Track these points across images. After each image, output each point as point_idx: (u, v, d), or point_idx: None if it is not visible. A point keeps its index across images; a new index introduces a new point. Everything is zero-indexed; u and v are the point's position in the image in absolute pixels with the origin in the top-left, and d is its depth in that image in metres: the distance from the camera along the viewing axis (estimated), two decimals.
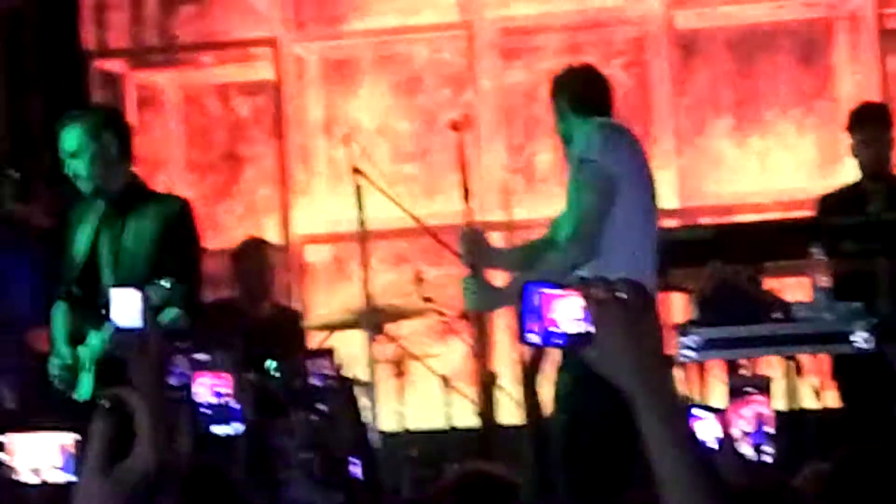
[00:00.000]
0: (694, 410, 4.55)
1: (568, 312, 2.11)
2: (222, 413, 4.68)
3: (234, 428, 4.74)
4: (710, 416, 4.37)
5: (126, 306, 3.50)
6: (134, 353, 2.84)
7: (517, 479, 3.19)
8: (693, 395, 5.95)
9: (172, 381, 4.76)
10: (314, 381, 5.98)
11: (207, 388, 4.93)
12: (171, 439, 2.57)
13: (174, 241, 5.31)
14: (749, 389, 4.69)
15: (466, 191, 5.46)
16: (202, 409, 4.70)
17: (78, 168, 5.33)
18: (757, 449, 4.60)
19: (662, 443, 2.02)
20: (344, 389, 6.19)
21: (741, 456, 4.56)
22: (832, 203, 6.52)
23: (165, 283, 4.88)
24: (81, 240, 5.41)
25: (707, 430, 4.97)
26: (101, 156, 5.34)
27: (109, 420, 2.00)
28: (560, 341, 2.12)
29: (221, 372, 5.01)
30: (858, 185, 6.53)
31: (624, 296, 2.06)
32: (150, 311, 3.48)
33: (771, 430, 4.60)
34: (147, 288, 4.58)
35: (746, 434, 4.65)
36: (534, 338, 2.11)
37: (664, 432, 2.02)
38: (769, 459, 4.63)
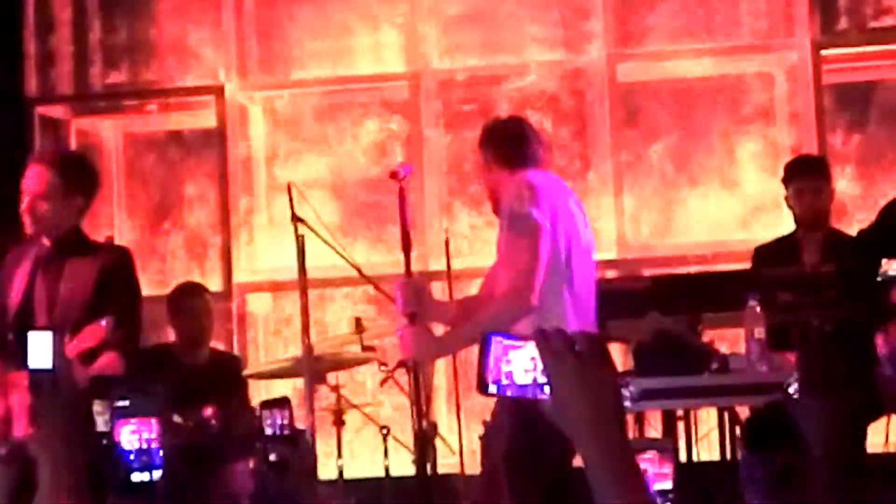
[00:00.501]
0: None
1: (524, 363, 2.13)
2: (145, 459, 4.66)
3: (156, 475, 4.72)
4: (665, 458, 4.39)
5: (40, 348, 3.53)
6: (44, 394, 2.82)
7: None
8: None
9: (101, 426, 4.73)
10: (267, 430, 5.95)
11: (131, 434, 4.89)
12: (87, 485, 2.55)
13: (112, 289, 5.30)
14: (646, 451, 4.75)
15: (406, 241, 5.47)
16: (125, 456, 4.67)
17: (38, 208, 5.32)
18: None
19: (613, 496, 2.00)
20: (298, 439, 6.18)
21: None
22: (767, 254, 6.60)
23: (102, 322, 4.88)
24: (16, 284, 5.39)
25: (659, 473, 5.02)
26: (65, 210, 5.34)
27: (10, 468, 1.99)
28: (516, 392, 2.14)
29: (146, 417, 4.98)
30: (793, 235, 6.62)
31: (580, 348, 2.06)
32: (61, 354, 3.48)
33: (667, 486, 4.65)
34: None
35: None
36: (492, 388, 2.12)
37: (614, 488, 2.01)
38: None
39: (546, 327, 2.10)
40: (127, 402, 4.86)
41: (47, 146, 5.33)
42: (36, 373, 3.47)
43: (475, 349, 2.17)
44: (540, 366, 2.09)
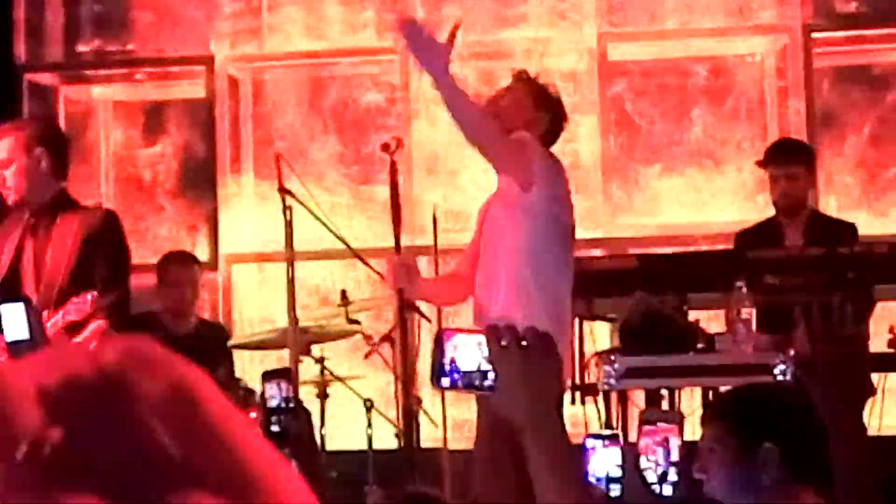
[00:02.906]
0: (590, 442, 4.62)
1: (470, 352, 2.19)
2: None
3: None
4: (612, 445, 4.41)
5: (14, 320, 3.52)
6: None
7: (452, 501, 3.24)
8: (612, 424, 5.99)
9: None
10: (271, 402, 5.95)
11: None
12: None
13: (98, 252, 5.29)
14: (659, 421, 4.74)
15: (397, 215, 5.47)
16: None
17: (7, 178, 5.32)
18: (662, 477, 4.65)
19: (548, 486, 2.09)
20: (301, 410, 6.19)
21: (647, 483, 4.62)
22: (749, 238, 6.61)
23: (87, 296, 4.88)
24: (4, 252, 5.39)
25: (607, 459, 5.01)
26: (29, 168, 5.32)
27: None
28: (464, 383, 2.20)
29: None
30: (775, 219, 6.62)
31: (525, 343, 2.14)
32: (38, 322, 3.48)
33: (675, 459, 4.65)
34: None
35: (653, 463, 4.70)
36: (445, 381, 2.20)
37: (551, 476, 2.09)
38: (673, 488, 4.67)
39: (531, 306, 2.18)
40: None
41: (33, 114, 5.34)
42: (15, 344, 3.45)
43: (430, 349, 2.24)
44: (485, 353, 2.18)
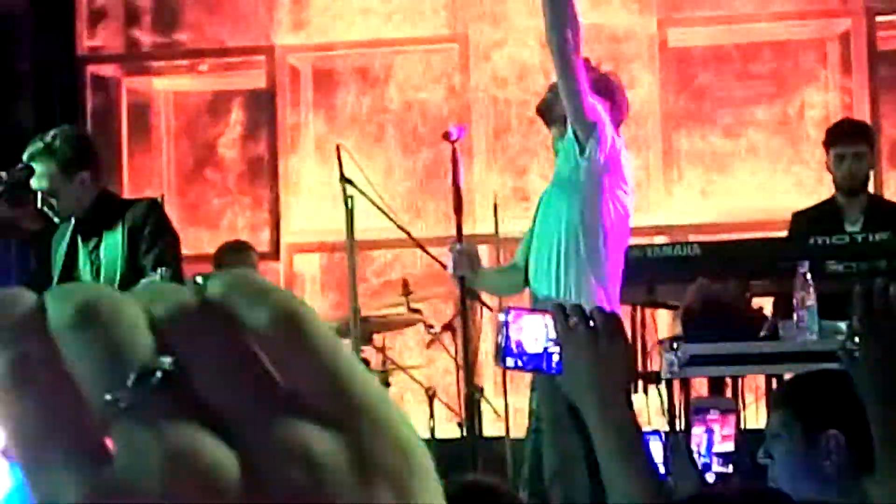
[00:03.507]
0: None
1: (536, 333, 2.15)
2: None
3: None
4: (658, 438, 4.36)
5: None
6: None
7: (514, 491, 3.20)
8: (673, 412, 5.96)
9: None
10: None
11: None
12: None
13: (144, 240, 5.34)
14: (710, 410, 4.72)
15: (458, 203, 5.47)
16: None
17: (51, 203, 5.37)
18: (713, 466, 4.62)
19: (616, 471, 2.04)
20: None
21: (697, 471, 4.60)
22: (806, 219, 6.56)
23: (161, 273, 4.92)
24: (58, 260, 5.47)
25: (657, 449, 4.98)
26: (74, 192, 5.38)
27: None
28: (529, 364, 2.15)
29: None
30: (833, 201, 6.57)
31: (594, 323, 2.09)
32: None
33: (729, 448, 4.62)
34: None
35: (706, 452, 4.67)
36: (509, 361, 2.15)
37: (619, 462, 2.04)
38: (716, 477, 4.64)
39: (588, 289, 2.15)
40: None
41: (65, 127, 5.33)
42: None
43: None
44: (551, 336, 2.11)
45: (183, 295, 0.57)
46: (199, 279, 0.58)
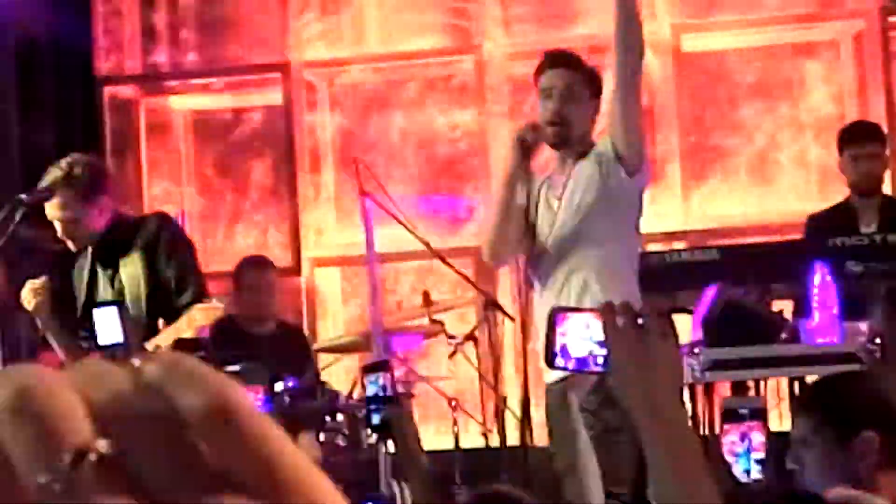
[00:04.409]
0: None
1: (580, 334, 2.11)
2: None
3: None
4: None
5: (108, 324, 3.56)
6: None
7: (533, 500, 3.17)
8: (697, 416, 5.97)
9: None
10: (369, 392, 5.93)
11: None
12: None
13: (164, 254, 5.39)
14: (743, 414, 4.71)
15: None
16: None
17: (70, 230, 5.42)
18: (747, 472, 4.61)
19: (667, 478, 1.97)
20: (401, 400, 6.17)
21: (733, 477, 4.59)
22: (822, 221, 6.57)
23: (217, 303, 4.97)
24: (82, 289, 5.52)
25: None
26: (93, 218, 5.42)
27: None
28: (577, 365, 2.12)
29: (253, 385, 5.01)
30: (848, 202, 6.58)
31: (644, 323, 2.03)
32: (131, 326, 3.54)
33: (761, 454, 4.60)
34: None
35: (737, 457, 4.67)
36: (559, 361, 2.11)
37: (671, 468, 1.97)
38: (756, 482, 4.63)
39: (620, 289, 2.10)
40: (238, 368, 4.87)
41: (75, 156, 5.36)
42: (108, 348, 3.50)
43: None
44: (597, 337, 2.08)
45: (120, 378, 0.59)
46: (137, 362, 0.60)
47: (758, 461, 4.66)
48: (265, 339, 6.87)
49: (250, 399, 0.60)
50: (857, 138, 6.56)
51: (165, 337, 5.09)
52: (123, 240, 5.47)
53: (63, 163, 5.39)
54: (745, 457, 4.68)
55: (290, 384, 6.16)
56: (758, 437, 4.72)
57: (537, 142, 5.08)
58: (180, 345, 4.95)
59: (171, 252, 5.44)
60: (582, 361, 2.11)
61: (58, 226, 5.43)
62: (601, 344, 2.07)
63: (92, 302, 5.42)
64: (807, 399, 3.49)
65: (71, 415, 0.58)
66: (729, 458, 4.66)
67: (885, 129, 7.11)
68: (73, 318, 5.50)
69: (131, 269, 5.42)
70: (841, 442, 2.88)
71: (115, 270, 5.47)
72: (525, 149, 5.03)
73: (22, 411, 0.58)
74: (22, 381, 0.59)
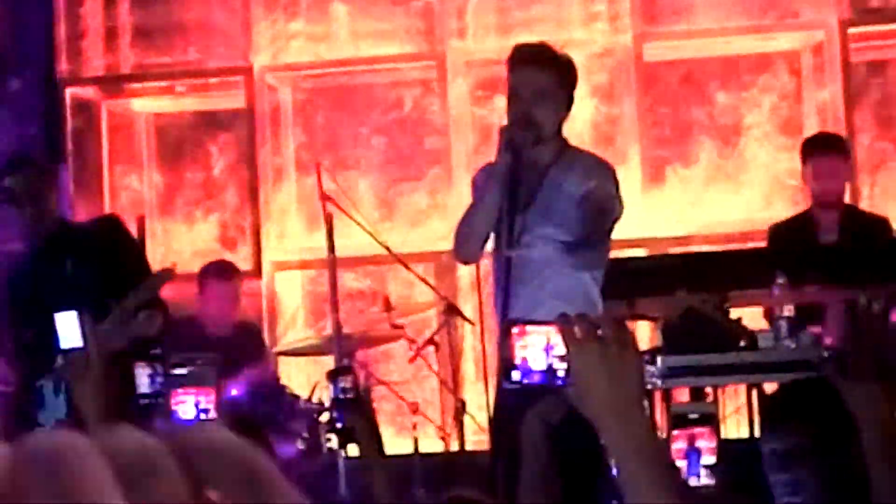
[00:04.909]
0: None
1: (539, 348, 2.10)
2: None
3: None
4: None
5: (68, 329, 3.58)
6: (75, 373, 2.84)
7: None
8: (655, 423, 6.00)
9: (144, 388, 4.75)
10: (338, 395, 5.93)
11: (189, 404, 4.90)
12: None
13: (112, 257, 5.39)
14: (692, 419, 4.72)
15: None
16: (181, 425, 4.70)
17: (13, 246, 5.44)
18: (696, 476, 4.63)
19: (637, 485, 1.95)
20: (364, 404, 6.17)
21: (682, 482, 4.61)
22: (783, 232, 6.62)
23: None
24: (29, 294, 5.52)
25: None
26: (41, 222, 5.43)
27: None
28: (536, 380, 2.11)
29: (203, 387, 5.00)
30: (809, 213, 6.63)
31: (603, 333, 2.00)
32: (91, 328, 3.54)
33: (711, 459, 4.62)
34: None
35: (686, 461, 4.68)
36: (515, 375, 2.10)
37: (640, 475, 1.95)
38: (706, 488, 4.64)
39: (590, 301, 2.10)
40: (185, 371, 4.88)
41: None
42: (68, 353, 3.52)
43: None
44: (556, 351, 2.07)
45: (149, 446, 0.60)
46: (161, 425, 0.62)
47: (706, 466, 4.68)
48: (222, 340, 6.87)
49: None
50: (819, 149, 6.60)
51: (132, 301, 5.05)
52: (71, 242, 5.45)
53: (4, 179, 5.41)
54: (693, 461, 4.70)
55: (242, 388, 6.16)
56: (707, 443, 4.73)
57: (527, 141, 5.02)
58: (137, 346, 4.93)
59: (124, 255, 5.44)
60: (541, 376, 2.09)
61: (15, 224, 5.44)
62: (562, 358, 2.07)
63: (40, 305, 5.41)
64: (786, 410, 3.42)
65: (102, 480, 0.59)
66: (679, 463, 4.67)
67: (847, 140, 7.17)
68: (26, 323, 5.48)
69: (81, 271, 5.40)
70: (835, 450, 2.85)
71: (63, 272, 5.44)
72: (514, 149, 4.98)
73: (53, 478, 0.59)
74: (52, 445, 0.60)
